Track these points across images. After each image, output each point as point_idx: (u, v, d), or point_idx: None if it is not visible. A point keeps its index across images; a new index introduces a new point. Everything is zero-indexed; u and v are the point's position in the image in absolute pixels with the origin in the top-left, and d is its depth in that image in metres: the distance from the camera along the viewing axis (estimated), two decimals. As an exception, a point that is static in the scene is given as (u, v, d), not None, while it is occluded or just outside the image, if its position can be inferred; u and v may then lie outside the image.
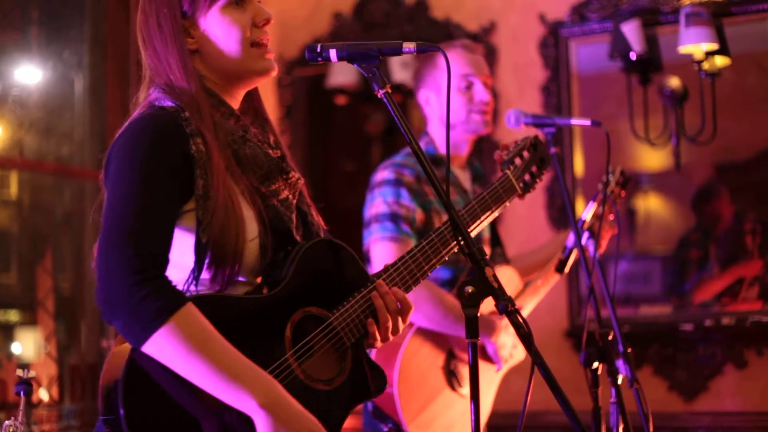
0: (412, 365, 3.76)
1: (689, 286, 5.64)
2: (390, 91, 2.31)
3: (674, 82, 5.38)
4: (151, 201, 2.20)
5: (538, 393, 2.32)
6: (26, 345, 5.56)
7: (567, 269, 3.85)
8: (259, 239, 2.32)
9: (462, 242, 2.24)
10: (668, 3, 5.39)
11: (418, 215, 3.86)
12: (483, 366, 3.91)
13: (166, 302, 2.10)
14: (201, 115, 2.31)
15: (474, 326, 2.13)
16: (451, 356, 3.86)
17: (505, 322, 3.87)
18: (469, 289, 2.16)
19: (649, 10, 5.40)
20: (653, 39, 5.38)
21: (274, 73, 2.47)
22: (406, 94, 6.16)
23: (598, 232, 3.74)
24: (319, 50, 2.34)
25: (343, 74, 6.12)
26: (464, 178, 4.11)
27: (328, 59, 2.35)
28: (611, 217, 3.85)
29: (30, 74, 5.42)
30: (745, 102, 5.56)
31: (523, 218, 5.65)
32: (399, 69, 6.05)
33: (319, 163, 6.35)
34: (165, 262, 2.19)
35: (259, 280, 2.34)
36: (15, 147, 5.39)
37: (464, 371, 3.85)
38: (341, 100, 6.40)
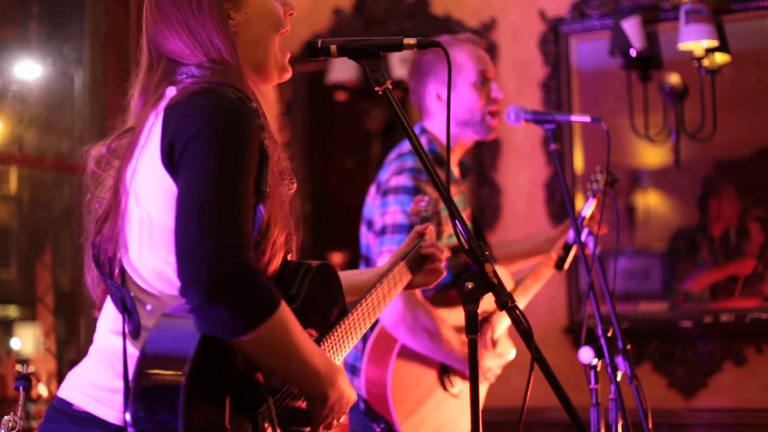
0: (405, 367, 3.74)
1: (680, 276, 5.65)
2: (390, 87, 2.30)
3: (674, 78, 5.38)
4: (244, 191, 2.05)
5: (538, 389, 2.32)
6: (25, 340, 5.56)
7: (566, 266, 3.86)
8: (286, 247, 2.25)
9: (462, 238, 2.23)
10: (668, 0, 5.39)
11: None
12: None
13: (273, 290, 2.03)
14: (261, 106, 2.19)
15: (474, 322, 2.13)
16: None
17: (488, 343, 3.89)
18: (469, 284, 2.15)
19: (649, 6, 5.40)
20: (653, 36, 5.38)
21: (287, 76, 2.39)
22: (405, 91, 6.15)
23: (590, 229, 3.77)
24: (319, 46, 2.32)
25: (343, 70, 6.12)
26: (458, 175, 4.06)
27: (328, 55, 2.33)
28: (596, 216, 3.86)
29: (30, 70, 5.42)
30: (745, 99, 5.56)
31: (523, 215, 5.66)
32: (399, 65, 6.04)
33: (318, 159, 6.35)
34: (251, 252, 2.07)
35: None
36: (15, 143, 5.39)
37: (458, 371, 3.83)
38: (341, 96, 6.40)
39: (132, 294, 2.21)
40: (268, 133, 2.17)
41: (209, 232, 1.98)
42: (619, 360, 3.25)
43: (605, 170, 3.81)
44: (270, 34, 2.32)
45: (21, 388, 2.86)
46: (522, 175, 5.70)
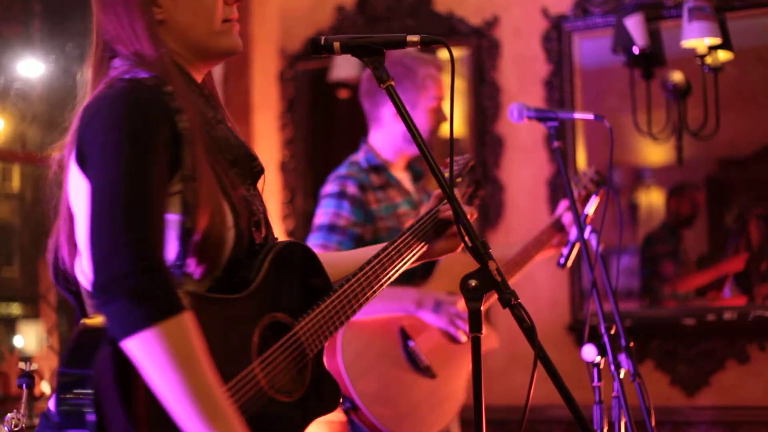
0: (358, 341, 3.82)
1: (666, 280, 5.66)
2: (393, 84, 2.30)
3: (677, 76, 5.38)
4: (150, 182, 2.02)
5: (541, 387, 2.32)
6: (28, 338, 5.57)
7: (569, 263, 3.86)
8: (236, 230, 2.17)
9: (465, 235, 2.23)
10: (671, -3, 5.39)
11: (360, 227, 4.00)
12: (452, 348, 3.97)
13: (167, 302, 1.93)
14: (177, 90, 2.15)
15: (477, 320, 2.13)
16: (405, 336, 3.91)
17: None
18: (473, 282, 2.15)
19: (652, 4, 5.39)
20: (656, 33, 5.37)
21: (238, 51, 2.35)
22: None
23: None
24: (322, 43, 2.32)
25: (345, 68, 6.11)
26: (405, 179, 4.23)
27: (331, 52, 2.33)
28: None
29: (32, 67, 5.42)
30: (747, 97, 5.56)
31: (525, 212, 5.66)
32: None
33: (321, 156, 6.34)
34: (164, 248, 2.03)
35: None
36: (17, 140, 5.39)
37: (424, 349, 3.91)
38: (344, 93, 6.39)
39: (83, 300, 2.22)
40: (189, 115, 2.13)
41: (111, 228, 1.97)
42: (622, 358, 3.25)
43: (593, 170, 3.90)
44: (203, 20, 2.27)
45: (24, 385, 2.86)
46: (525, 173, 5.69)
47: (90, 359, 1.96)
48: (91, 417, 1.94)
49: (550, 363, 2.13)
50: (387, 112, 4.15)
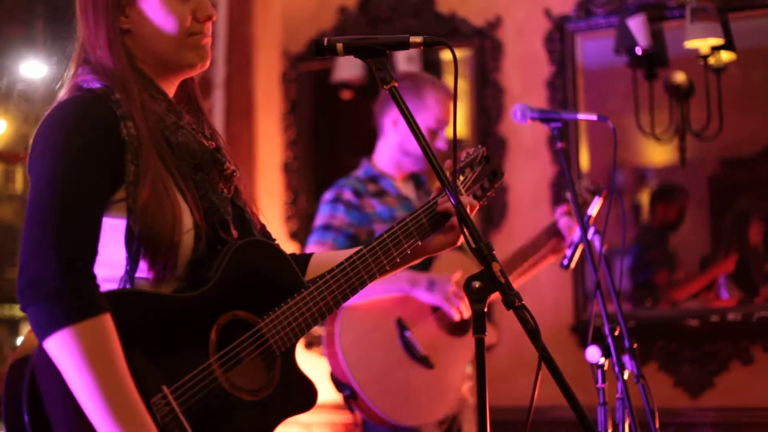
0: (356, 328, 3.95)
1: (659, 289, 5.67)
2: (396, 85, 2.29)
3: (680, 77, 5.38)
4: (80, 187, 2.09)
5: (545, 388, 2.31)
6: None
7: (573, 264, 3.86)
8: (195, 231, 2.20)
9: (468, 236, 2.22)
10: (674, -2, 5.39)
11: (355, 228, 4.16)
12: (449, 340, 4.07)
13: (84, 303, 2.01)
14: (129, 96, 2.21)
15: (481, 322, 2.12)
16: (402, 327, 4.00)
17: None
18: (476, 284, 2.15)
19: (654, 5, 5.38)
20: (659, 34, 5.36)
21: (203, 68, 2.38)
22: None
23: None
24: (325, 44, 2.32)
25: (348, 69, 6.11)
26: (406, 188, 4.34)
27: (335, 53, 2.33)
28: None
29: (35, 69, 5.42)
30: (750, 97, 5.56)
31: (529, 213, 5.65)
32: (404, 63, 6.04)
33: (324, 157, 6.34)
34: (93, 253, 2.09)
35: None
36: (20, 142, 5.39)
37: (421, 339, 4.00)
38: (347, 94, 6.38)
39: None
40: (138, 120, 2.19)
41: (35, 232, 2.06)
42: (626, 359, 3.25)
43: (590, 180, 3.97)
44: (162, 33, 2.32)
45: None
46: (528, 174, 5.69)
47: (24, 367, 2.05)
48: (25, 418, 2.03)
49: (554, 365, 2.12)
50: (387, 121, 4.29)
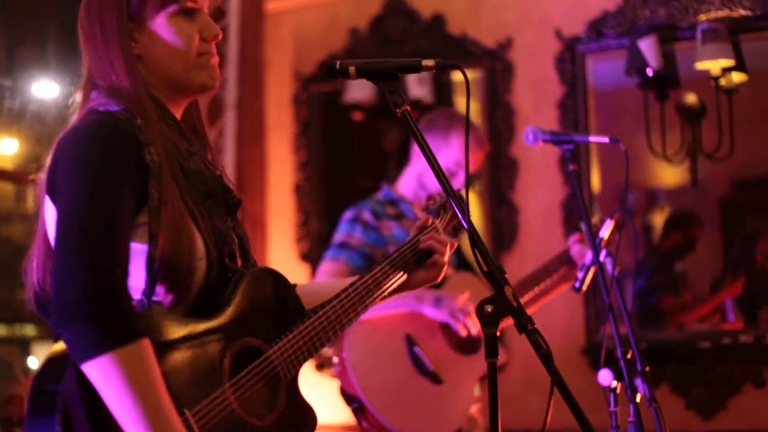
0: (364, 344, 3.98)
1: (667, 314, 5.65)
2: (409, 108, 2.30)
3: (691, 98, 5.37)
4: (112, 211, 2.09)
5: (558, 411, 2.31)
6: (42, 359, 5.57)
7: (585, 287, 3.85)
8: (207, 259, 2.23)
9: (481, 259, 2.22)
10: (685, 19, 5.38)
11: (371, 248, 4.23)
12: (458, 357, 4.11)
13: (126, 327, 2.00)
14: (148, 122, 2.22)
15: (494, 345, 2.12)
16: (411, 343, 4.04)
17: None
18: (489, 307, 2.15)
19: (665, 26, 5.39)
20: (670, 55, 5.36)
21: (214, 91, 2.42)
22: (422, 110, 6.16)
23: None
24: (337, 68, 2.33)
25: (359, 90, 6.12)
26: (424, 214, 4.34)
27: (347, 77, 2.33)
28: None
29: (48, 89, 5.45)
30: (762, 118, 5.55)
31: (540, 234, 5.64)
32: (415, 85, 6.05)
33: (335, 178, 6.35)
34: (127, 275, 2.10)
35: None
36: (33, 162, 5.41)
37: (430, 355, 4.04)
38: (358, 115, 6.39)
39: None
40: (158, 147, 2.19)
41: (72, 254, 2.04)
42: (638, 382, 3.23)
43: (599, 218, 3.98)
44: (173, 54, 2.33)
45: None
46: (539, 195, 5.69)
47: (58, 380, 2.05)
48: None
49: (567, 389, 2.12)
50: (414, 149, 4.39)
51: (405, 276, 2.58)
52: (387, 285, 2.54)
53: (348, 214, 4.35)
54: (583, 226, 3.73)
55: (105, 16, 2.31)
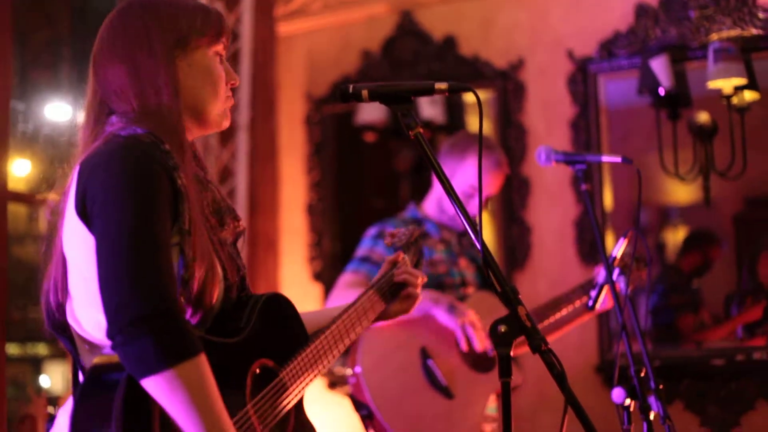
0: (377, 353, 4.01)
1: (684, 335, 5.64)
2: (422, 131, 2.32)
3: (703, 116, 5.38)
4: (159, 233, 2.13)
5: (570, 429, 2.31)
6: (54, 378, 5.59)
7: (599, 306, 3.86)
8: (225, 283, 2.30)
9: (495, 280, 2.23)
10: (696, 38, 5.38)
11: None
12: (472, 374, 4.11)
13: (187, 343, 2.06)
14: (180, 147, 2.27)
15: (507, 365, 2.13)
16: (425, 355, 4.06)
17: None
18: (502, 328, 2.16)
19: (677, 45, 5.39)
20: (682, 74, 5.37)
21: (225, 126, 2.47)
22: (434, 130, 6.18)
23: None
24: (351, 91, 2.35)
25: (371, 111, 6.14)
26: (448, 234, 4.44)
27: (360, 100, 2.36)
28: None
29: (61, 112, 5.47)
30: (774, 136, 5.56)
31: (553, 254, 5.65)
32: (428, 106, 6.07)
33: (348, 200, 6.36)
34: (177, 294, 2.14)
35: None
36: (43, 184, 5.43)
37: (443, 369, 4.05)
38: (370, 137, 6.41)
39: (76, 345, 2.29)
40: (185, 173, 2.24)
41: (129, 277, 2.07)
42: (652, 400, 3.23)
43: (634, 257, 3.97)
44: (207, 87, 2.38)
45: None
46: (552, 214, 5.69)
47: (107, 395, 2.08)
48: None
49: (580, 409, 2.12)
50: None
51: (383, 306, 2.74)
52: (371, 313, 2.69)
53: (372, 231, 4.37)
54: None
55: (152, 34, 2.33)
